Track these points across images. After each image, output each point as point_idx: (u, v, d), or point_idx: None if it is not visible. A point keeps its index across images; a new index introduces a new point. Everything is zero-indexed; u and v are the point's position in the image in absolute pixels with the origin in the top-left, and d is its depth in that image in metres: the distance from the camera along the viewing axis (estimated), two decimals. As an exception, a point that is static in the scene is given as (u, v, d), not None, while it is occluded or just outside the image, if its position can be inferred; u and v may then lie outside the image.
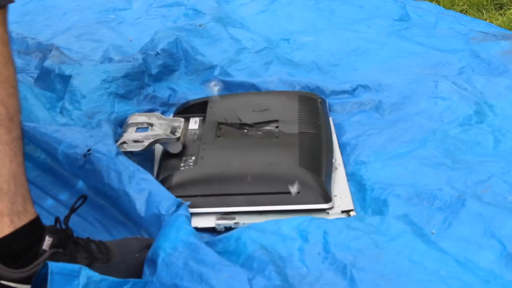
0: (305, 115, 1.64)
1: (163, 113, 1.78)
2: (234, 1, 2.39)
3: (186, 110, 1.74)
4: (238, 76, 1.93)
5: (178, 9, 2.32)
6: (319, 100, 1.74)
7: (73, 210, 1.31)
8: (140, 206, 1.40)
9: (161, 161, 1.57)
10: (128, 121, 1.63)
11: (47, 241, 1.21)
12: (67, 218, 1.29)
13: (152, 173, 1.54)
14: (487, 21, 2.30)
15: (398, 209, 1.37)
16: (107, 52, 2.01)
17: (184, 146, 1.57)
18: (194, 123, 1.67)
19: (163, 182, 1.46)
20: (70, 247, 1.25)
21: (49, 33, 2.18)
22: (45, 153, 1.56)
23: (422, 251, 1.24)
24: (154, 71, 1.90)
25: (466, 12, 2.40)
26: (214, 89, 1.86)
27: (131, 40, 2.14)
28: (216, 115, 1.66)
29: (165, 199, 1.38)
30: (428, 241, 1.27)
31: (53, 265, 1.15)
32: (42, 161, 1.57)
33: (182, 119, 1.63)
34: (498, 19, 2.31)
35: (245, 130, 1.61)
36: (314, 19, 2.27)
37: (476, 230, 1.30)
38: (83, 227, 1.44)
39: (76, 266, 1.17)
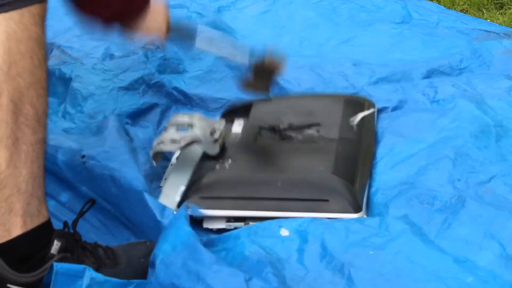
0: (348, 120, 1.62)
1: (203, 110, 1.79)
2: (236, 3, 2.39)
3: (233, 113, 1.73)
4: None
5: (180, 11, 2.32)
6: (366, 104, 1.71)
7: (81, 214, 1.32)
8: (138, 212, 1.42)
9: (199, 162, 1.56)
10: (170, 121, 1.62)
11: (56, 245, 1.22)
12: (75, 222, 1.30)
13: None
14: (488, 20, 2.30)
15: (398, 210, 1.37)
16: (108, 50, 2.02)
17: (223, 148, 1.55)
18: (238, 126, 1.66)
19: (195, 183, 1.46)
20: (78, 251, 1.25)
21: (50, 33, 2.13)
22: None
23: (421, 251, 1.24)
24: (155, 63, 1.91)
25: (466, 11, 2.40)
26: None
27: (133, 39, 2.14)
28: (258, 118, 1.65)
29: (160, 205, 1.40)
30: (427, 242, 1.27)
31: (57, 266, 1.16)
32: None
33: (223, 121, 1.61)
34: (498, 19, 2.32)
35: (285, 135, 1.60)
36: (316, 19, 2.27)
37: (476, 231, 1.29)
38: (87, 229, 1.45)
39: (80, 267, 1.19)
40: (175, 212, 1.40)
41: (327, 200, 1.39)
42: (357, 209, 1.38)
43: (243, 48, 1.61)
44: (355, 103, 1.71)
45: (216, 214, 1.42)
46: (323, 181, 1.42)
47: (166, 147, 1.53)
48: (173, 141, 1.53)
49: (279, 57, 1.57)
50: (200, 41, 1.59)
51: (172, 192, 1.50)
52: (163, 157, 1.61)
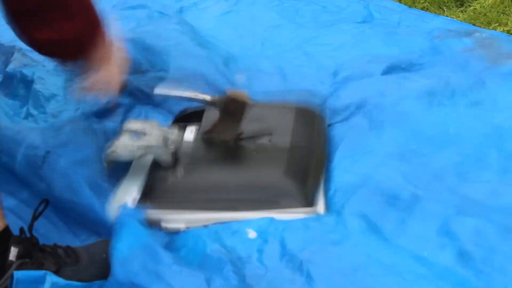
0: (299, 129, 1.63)
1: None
2: (198, 4, 2.39)
3: (185, 118, 1.72)
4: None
5: (142, 11, 2.31)
6: (317, 114, 1.72)
7: (36, 216, 1.31)
8: (95, 211, 1.43)
9: (150, 171, 1.55)
10: (123, 127, 1.60)
11: (13, 251, 1.22)
12: (31, 226, 1.29)
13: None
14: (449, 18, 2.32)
15: (355, 208, 1.39)
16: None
17: (176, 157, 1.55)
18: (190, 133, 1.64)
19: (147, 193, 1.46)
20: (37, 255, 1.25)
21: (11, 35, 2.15)
22: (6, 156, 1.56)
23: (378, 246, 1.26)
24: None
25: (427, 9, 2.42)
26: (241, 79, 1.86)
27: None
28: (211, 126, 1.63)
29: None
30: (384, 238, 1.29)
31: (18, 274, 1.16)
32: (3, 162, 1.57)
33: (176, 130, 1.60)
34: (459, 16, 2.34)
35: (238, 144, 1.59)
36: (278, 20, 2.28)
37: (431, 228, 1.31)
38: (48, 228, 1.45)
39: (41, 273, 1.19)
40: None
41: (279, 199, 1.41)
42: (309, 204, 1.41)
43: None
44: (306, 112, 1.71)
45: (174, 218, 1.41)
46: (274, 181, 1.44)
47: (119, 156, 1.51)
48: (127, 148, 1.52)
49: (243, 95, 1.55)
50: (159, 90, 1.60)
51: (122, 199, 1.49)
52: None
